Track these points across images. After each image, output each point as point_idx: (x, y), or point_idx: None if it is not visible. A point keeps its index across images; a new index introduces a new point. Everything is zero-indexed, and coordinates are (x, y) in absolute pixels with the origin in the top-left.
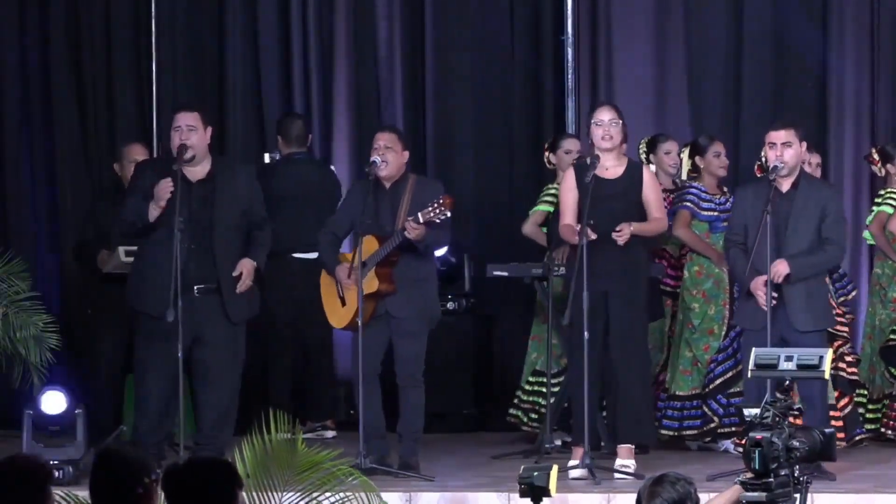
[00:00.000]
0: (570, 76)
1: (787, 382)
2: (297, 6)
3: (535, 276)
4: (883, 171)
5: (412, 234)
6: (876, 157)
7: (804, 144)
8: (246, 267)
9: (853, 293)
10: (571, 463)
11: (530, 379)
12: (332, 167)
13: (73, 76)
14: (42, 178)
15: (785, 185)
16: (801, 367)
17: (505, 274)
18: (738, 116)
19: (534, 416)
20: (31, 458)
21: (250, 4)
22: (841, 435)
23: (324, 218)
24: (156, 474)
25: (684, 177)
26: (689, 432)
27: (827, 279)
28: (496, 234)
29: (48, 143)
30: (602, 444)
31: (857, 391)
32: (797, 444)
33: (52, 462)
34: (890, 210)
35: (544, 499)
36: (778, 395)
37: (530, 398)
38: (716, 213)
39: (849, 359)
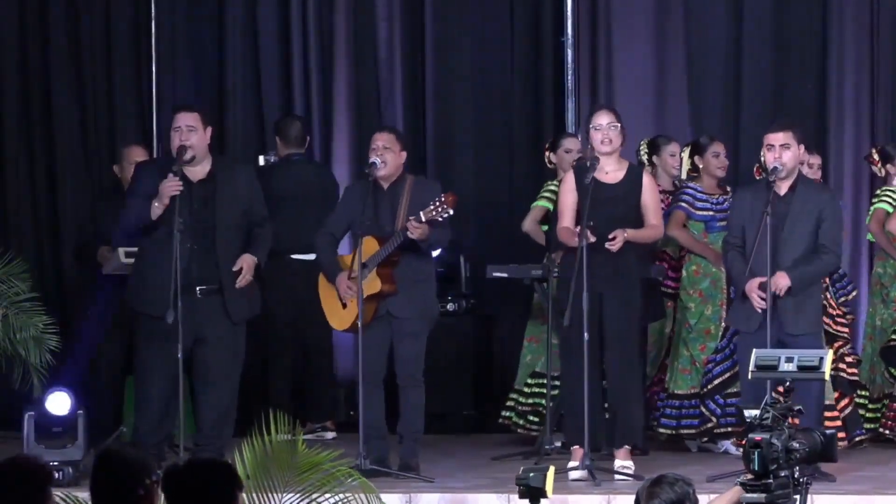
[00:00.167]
0: (569, 76)
1: (788, 384)
2: (297, 6)
3: (535, 277)
4: (883, 172)
5: (415, 234)
6: (876, 157)
7: (802, 147)
8: (246, 262)
9: (853, 293)
10: (571, 464)
11: (529, 381)
12: (332, 168)
13: (73, 76)
14: (42, 178)
15: (783, 188)
16: (801, 368)
17: (505, 275)
18: (738, 116)
19: (535, 418)
20: (32, 459)
21: (250, 5)
22: (841, 435)
23: (322, 219)
24: (156, 475)
25: (684, 177)
26: (686, 431)
27: (826, 279)
28: (496, 234)
29: (48, 144)
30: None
31: (858, 392)
32: (797, 445)
33: (51, 463)
34: (889, 209)
35: (541, 500)
36: (774, 395)
37: (531, 400)
38: (712, 213)
39: (849, 359)
